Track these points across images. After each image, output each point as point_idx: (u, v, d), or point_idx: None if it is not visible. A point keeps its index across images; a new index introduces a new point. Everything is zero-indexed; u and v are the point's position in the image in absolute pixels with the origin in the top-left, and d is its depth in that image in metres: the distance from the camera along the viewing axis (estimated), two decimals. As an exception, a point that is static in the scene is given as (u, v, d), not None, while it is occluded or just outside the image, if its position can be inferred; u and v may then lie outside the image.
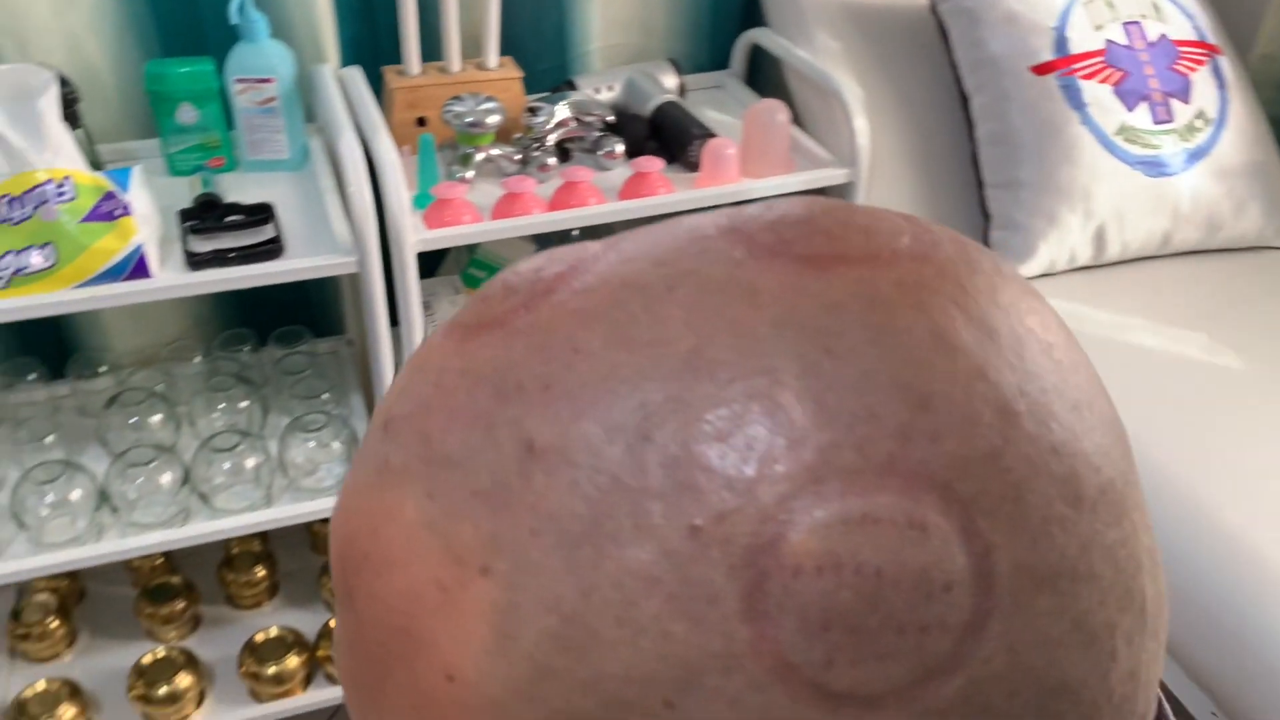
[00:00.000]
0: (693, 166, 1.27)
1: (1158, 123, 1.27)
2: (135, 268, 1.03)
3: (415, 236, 1.11)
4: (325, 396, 1.34)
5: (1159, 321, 1.24)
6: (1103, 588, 0.24)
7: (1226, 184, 1.30)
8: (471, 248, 1.40)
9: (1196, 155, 1.28)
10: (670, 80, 1.39)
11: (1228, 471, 1.06)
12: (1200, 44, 1.33)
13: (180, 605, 1.42)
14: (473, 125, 1.21)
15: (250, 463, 1.21)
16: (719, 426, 0.22)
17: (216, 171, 1.23)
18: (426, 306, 1.29)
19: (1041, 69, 1.26)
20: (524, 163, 1.25)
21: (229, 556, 1.49)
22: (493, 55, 1.31)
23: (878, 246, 0.25)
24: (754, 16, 1.49)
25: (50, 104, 1.03)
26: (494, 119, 1.21)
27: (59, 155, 1.04)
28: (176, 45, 1.26)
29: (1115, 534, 0.24)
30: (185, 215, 1.12)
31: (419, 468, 0.25)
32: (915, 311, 0.23)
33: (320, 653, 1.40)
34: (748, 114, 1.27)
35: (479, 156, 1.23)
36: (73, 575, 1.48)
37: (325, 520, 1.48)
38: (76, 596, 1.49)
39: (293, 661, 1.36)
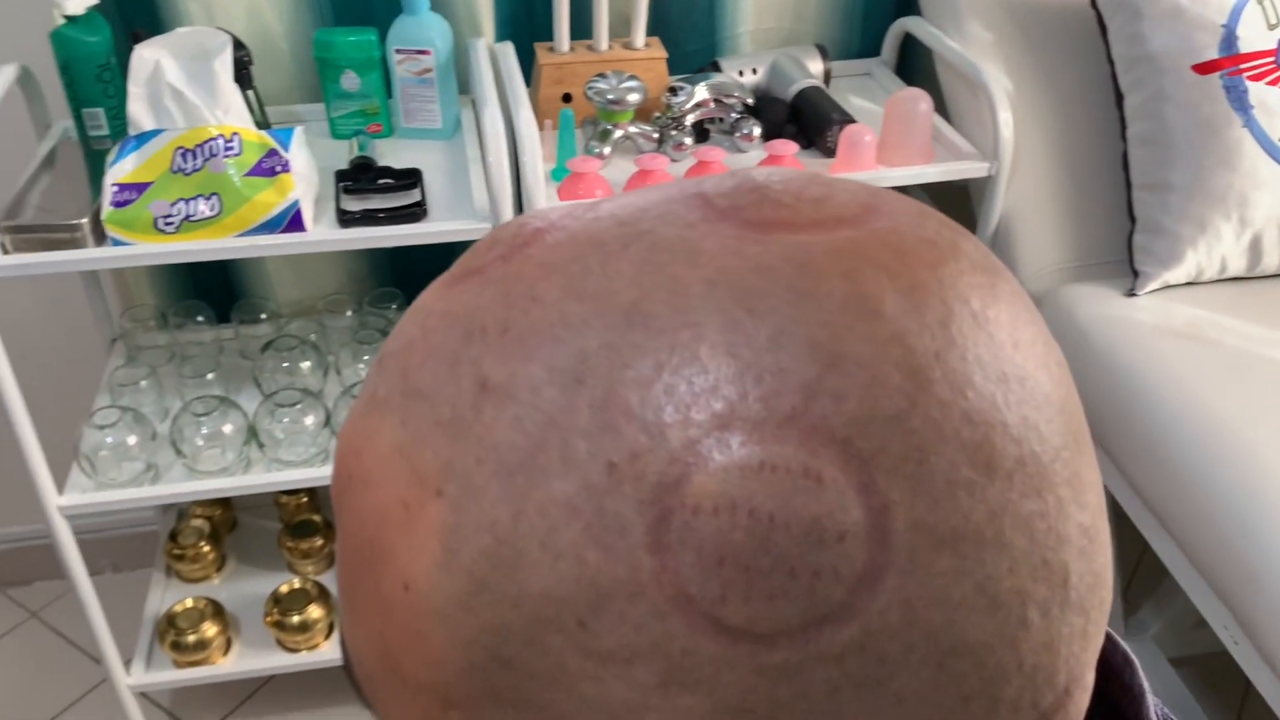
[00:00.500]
0: (829, 152, 1.27)
1: (1331, 129, 1.20)
2: (291, 221, 1.11)
3: (548, 207, 1.15)
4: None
5: (1314, 339, 1.17)
6: (1014, 556, 0.24)
7: (1406, 198, 1.21)
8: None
9: (1372, 166, 1.20)
10: (815, 65, 1.39)
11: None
12: (1389, 47, 1.24)
13: (319, 542, 1.52)
14: (613, 103, 1.24)
15: (309, 420, 1.27)
16: (643, 374, 0.24)
17: (374, 137, 1.30)
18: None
19: (1204, 68, 1.20)
20: (660, 141, 1.28)
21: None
22: (640, 35, 1.34)
23: (824, 215, 0.26)
24: (908, 4, 1.47)
25: (225, 65, 1.12)
26: (634, 97, 1.25)
27: (229, 113, 1.12)
28: (346, 15, 1.33)
29: (1034, 505, 0.24)
30: (341, 176, 1.20)
31: (397, 399, 0.27)
32: (841, 277, 0.25)
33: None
34: (889, 102, 1.26)
35: (617, 134, 1.27)
36: (227, 505, 1.60)
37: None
38: (229, 525, 1.61)
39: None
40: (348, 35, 1.26)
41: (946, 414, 0.24)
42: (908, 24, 1.43)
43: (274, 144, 1.11)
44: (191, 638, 1.39)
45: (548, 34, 1.35)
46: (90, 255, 1.09)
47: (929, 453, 0.23)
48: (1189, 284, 1.24)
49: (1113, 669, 0.33)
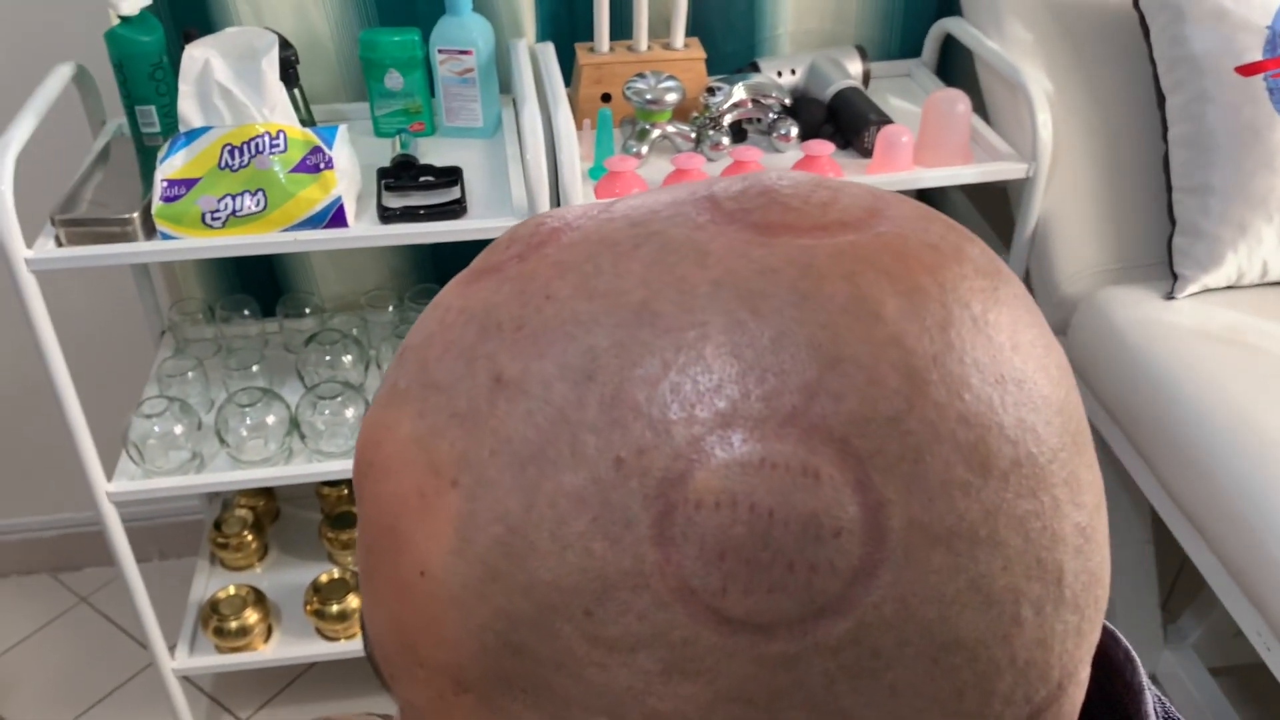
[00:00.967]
0: (866, 153, 1.27)
1: (1377, 132, 1.18)
2: (334, 217, 1.14)
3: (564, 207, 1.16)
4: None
5: (1358, 345, 1.16)
6: (1008, 555, 0.25)
7: None
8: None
9: None
10: (855, 66, 1.39)
11: None
12: None
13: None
14: (651, 102, 1.26)
15: (350, 413, 1.29)
16: (650, 372, 0.25)
17: (416, 135, 1.32)
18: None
19: (1248, 70, 1.19)
20: (698, 141, 1.29)
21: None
22: (679, 36, 1.35)
23: (829, 219, 0.27)
24: (949, 5, 1.47)
25: (272, 64, 1.15)
26: (672, 97, 1.26)
27: (275, 111, 1.15)
28: (391, 16, 1.36)
29: (1029, 505, 0.25)
30: (383, 173, 1.22)
31: (416, 391, 0.28)
32: (843, 280, 0.25)
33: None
34: (927, 102, 1.26)
35: (655, 133, 1.28)
36: (269, 496, 1.64)
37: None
38: (271, 515, 1.65)
39: (450, 596, 1.46)
40: (392, 35, 1.28)
41: (943, 415, 0.24)
42: (948, 25, 1.43)
43: (318, 141, 1.13)
44: (234, 624, 1.42)
45: (588, 34, 1.37)
46: (140, 249, 1.12)
47: (925, 453, 0.24)
48: (1229, 288, 1.23)
49: (1115, 667, 0.34)
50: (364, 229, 1.16)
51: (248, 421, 1.27)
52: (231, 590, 1.47)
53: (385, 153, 1.28)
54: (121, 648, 1.68)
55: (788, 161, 1.26)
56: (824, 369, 0.24)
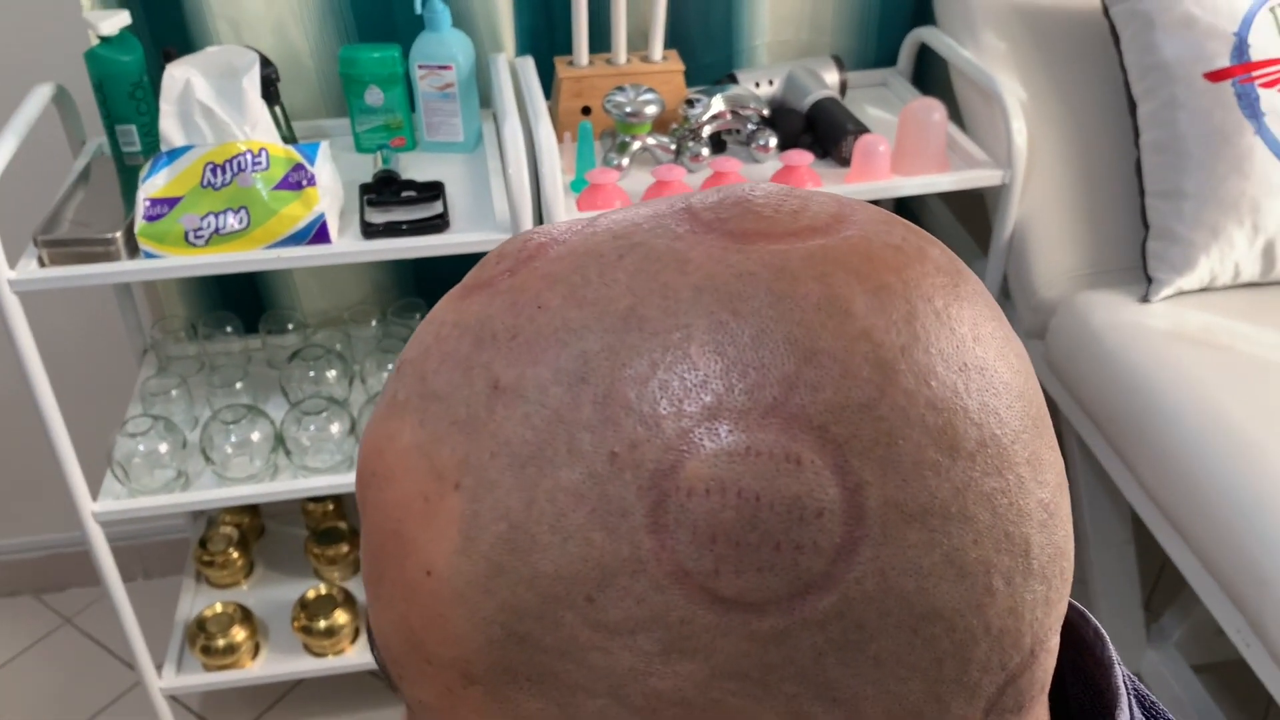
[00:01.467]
0: (844, 162, 1.29)
1: (1344, 135, 1.20)
2: (317, 233, 1.14)
3: (567, 217, 1.17)
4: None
5: (1330, 345, 1.18)
6: (978, 529, 0.26)
7: None
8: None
9: (1387, 171, 1.21)
10: (831, 76, 1.40)
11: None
12: (1403, 53, 1.25)
13: (345, 549, 1.55)
14: (631, 115, 1.27)
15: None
16: (639, 372, 0.26)
17: (398, 150, 1.33)
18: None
19: (1216, 75, 1.21)
20: (678, 153, 1.30)
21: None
22: (658, 48, 1.36)
23: (799, 225, 0.29)
24: (923, 14, 1.49)
25: (253, 82, 1.15)
26: (651, 109, 1.27)
27: (257, 129, 1.15)
28: (370, 32, 1.37)
29: (995, 483, 0.27)
30: (365, 189, 1.22)
31: (415, 401, 0.30)
32: (815, 280, 0.27)
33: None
34: (904, 112, 1.27)
35: (635, 145, 1.29)
36: (254, 513, 1.63)
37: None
38: (257, 532, 1.64)
39: (438, 609, 1.46)
40: (372, 52, 1.29)
41: (912, 401, 0.26)
42: (923, 34, 1.45)
43: (300, 159, 1.14)
44: (221, 642, 1.42)
45: (567, 48, 1.38)
46: (123, 268, 1.12)
47: (897, 436, 0.26)
48: (1203, 290, 1.25)
49: (1086, 644, 0.35)
50: (347, 245, 1.16)
51: (232, 439, 1.27)
52: (218, 608, 1.46)
53: (367, 168, 1.28)
54: (108, 668, 1.67)
55: (767, 172, 1.27)
56: (801, 362, 0.26)
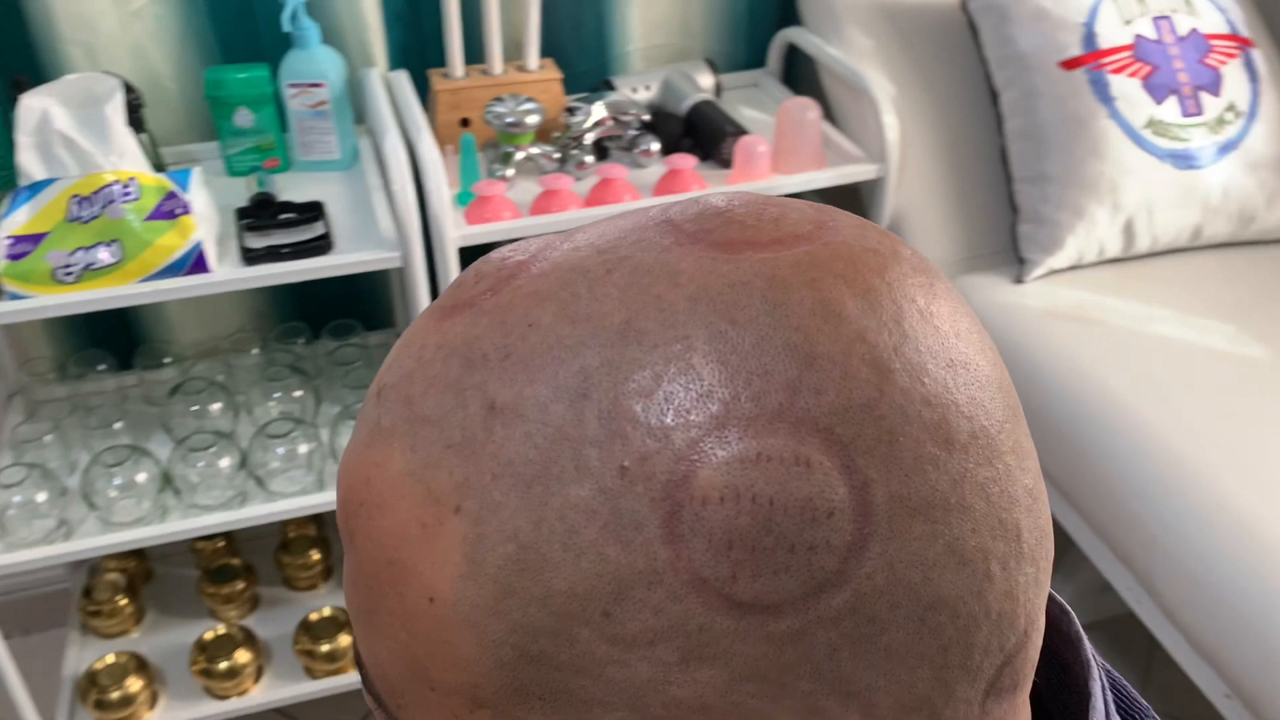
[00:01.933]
0: (726, 164, 1.31)
1: (1187, 116, 1.28)
2: (195, 263, 1.10)
3: (456, 232, 1.16)
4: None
5: (1188, 313, 1.25)
6: (975, 518, 0.27)
7: (1258, 176, 1.30)
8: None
9: (1227, 148, 1.29)
10: (706, 80, 1.42)
11: (1252, 463, 1.07)
12: (1232, 37, 1.33)
13: (240, 586, 1.49)
14: (512, 125, 1.26)
15: (303, 449, 1.27)
16: (643, 385, 0.26)
17: (271, 172, 1.29)
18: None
19: (1070, 64, 1.27)
20: (562, 161, 1.30)
21: (285, 541, 1.56)
22: (533, 57, 1.36)
23: (782, 233, 0.29)
24: (790, 15, 1.52)
25: (116, 110, 1.10)
26: (533, 119, 1.26)
27: (124, 158, 1.10)
28: (234, 52, 1.32)
29: (987, 473, 0.28)
30: (242, 214, 1.19)
31: (403, 427, 0.29)
32: (807, 287, 0.28)
33: (371, 632, 1.46)
34: (779, 111, 1.30)
35: (519, 155, 1.28)
36: (141, 556, 1.56)
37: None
38: (144, 576, 1.57)
39: (345, 640, 1.43)
40: (238, 73, 1.25)
41: (909, 399, 0.27)
42: (791, 34, 1.48)
43: (172, 186, 1.09)
44: (115, 694, 1.35)
45: (440, 60, 1.36)
46: (-13, 311, 1.06)
47: (898, 434, 0.26)
48: (1072, 268, 1.31)
49: (1051, 619, 0.37)
50: (228, 273, 1.12)
51: (116, 482, 1.22)
52: (110, 659, 1.39)
53: (240, 192, 1.24)
54: (-12, 734, 1.58)
55: (652, 177, 1.28)
56: (802, 367, 0.26)
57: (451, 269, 1.16)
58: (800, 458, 0.26)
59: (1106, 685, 0.35)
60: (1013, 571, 0.28)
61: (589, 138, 1.31)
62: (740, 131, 1.30)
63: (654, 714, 0.27)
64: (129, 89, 1.16)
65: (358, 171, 1.31)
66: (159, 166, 1.21)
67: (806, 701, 0.27)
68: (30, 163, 1.09)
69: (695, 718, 0.27)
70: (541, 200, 1.21)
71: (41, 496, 1.19)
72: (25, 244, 1.06)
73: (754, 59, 1.56)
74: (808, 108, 1.29)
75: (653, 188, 1.26)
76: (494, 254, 0.32)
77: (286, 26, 1.21)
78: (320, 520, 1.59)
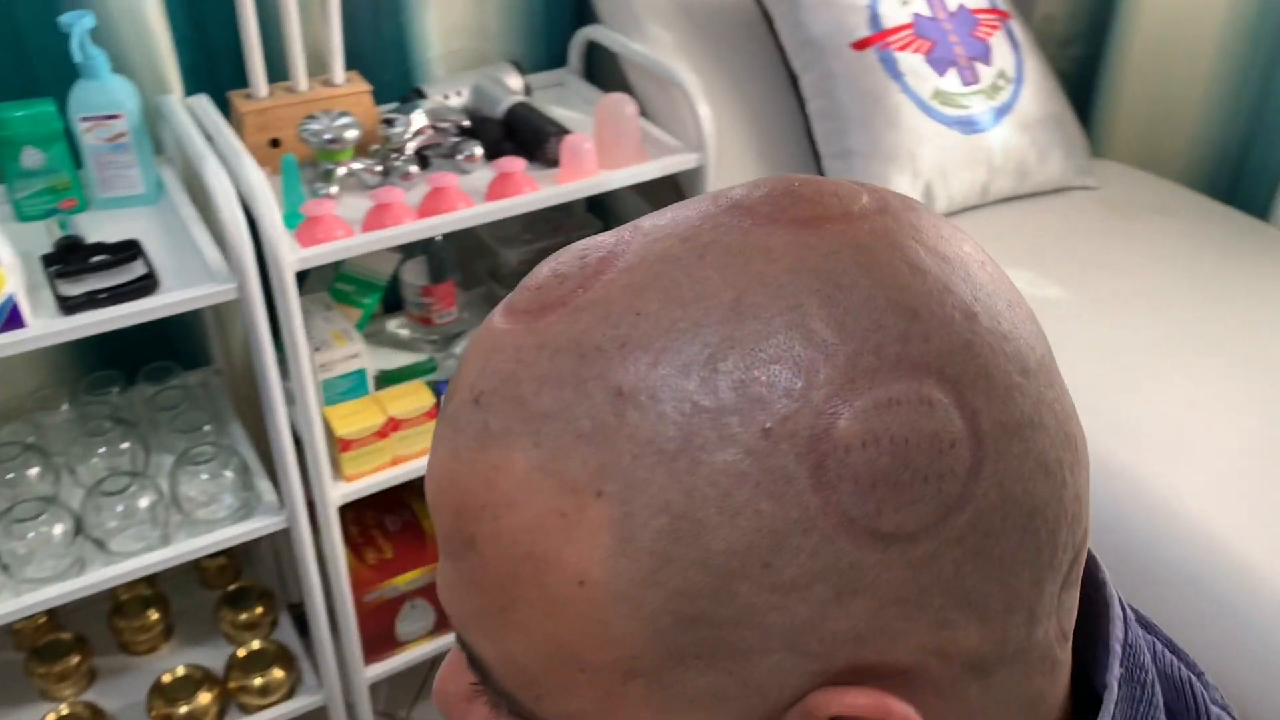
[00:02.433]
0: (551, 163, 1.32)
1: (966, 85, 1.40)
2: (9, 318, 1.01)
3: (293, 256, 1.12)
4: (207, 429, 1.33)
5: (988, 265, 1.37)
6: (1050, 433, 0.31)
7: (1030, 135, 1.44)
8: (337, 264, 1.41)
9: (1002, 111, 1.42)
10: (515, 82, 1.43)
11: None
12: (993, 10, 1.46)
13: (74, 660, 1.39)
14: (331, 142, 1.23)
15: (144, 503, 1.19)
16: (771, 353, 0.29)
17: (70, 213, 1.20)
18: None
19: (860, 44, 1.36)
20: (385, 173, 1.27)
21: (118, 604, 1.46)
22: (339, 71, 1.32)
23: (847, 206, 0.32)
24: (587, 14, 1.55)
25: (-105, 159, 1.00)
26: (352, 133, 1.23)
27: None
28: (9, 89, 1.22)
29: (1051, 393, 0.32)
30: (49, 260, 1.10)
31: (519, 425, 0.30)
32: (890, 249, 0.31)
33: (230, 685, 1.39)
34: (598, 109, 1.32)
35: (340, 172, 1.25)
36: (-50, 647, 1.42)
37: (220, 554, 1.46)
38: (-44, 669, 1.43)
39: (204, 698, 1.35)
40: (18, 109, 1.16)
41: (994, 336, 0.31)
42: (590, 32, 1.51)
43: (-29, 237, 1.00)
44: (-50, 801, 1.23)
45: (235, 81, 1.31)
46: None
47: (990, 368, 0.30)
48: (884, 234, 1.40)
49: None
50: (46, 325, 1.04)
51: (-67, 567, 1.10)
52: (-64, 765, 1.26)
53: (38, 238, 1.15)
54: None
55: (481, 182, 1.28)
56: (909, 319, 0.29)
57: (291, 296, 1.12)
58: (923, 398, 0.29)
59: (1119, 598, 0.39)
60: (1078, 475, 0.32)
61: (411, 148, 1.29)
62: (563, 131, 1.32)
63: (811, 650, 0.29)
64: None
65: (167, 204, 1.24)
66: (-56, 217, 1.10)
67: (938, 616, 0.30)
68: None
69: (848, 646, 0.29)
70: (374, 215, 1.19)
71: None
72: None
73: (555, 58, 1.58)
74: (624, 103, 1.32)
75: (485, 192, 1.26)
76: (562, 257, 0.33)
77: (77, 56, 1.12)
78: (152, 578, 1.49)
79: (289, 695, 1.41)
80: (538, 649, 0.31)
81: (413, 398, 1.30)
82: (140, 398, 1.38)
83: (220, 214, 1.08)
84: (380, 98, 1.39)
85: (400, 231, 1.19)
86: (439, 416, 0.34)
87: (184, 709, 1.33)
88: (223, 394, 1.44)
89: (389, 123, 1.28)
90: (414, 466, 1.32)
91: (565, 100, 1.51)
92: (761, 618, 0.29)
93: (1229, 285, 1.33)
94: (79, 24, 1.12)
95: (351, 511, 1.49)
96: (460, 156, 1.31)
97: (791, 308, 0.29)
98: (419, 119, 1.28)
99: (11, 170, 1.17)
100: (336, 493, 1.27)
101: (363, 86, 1.33)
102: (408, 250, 1.41)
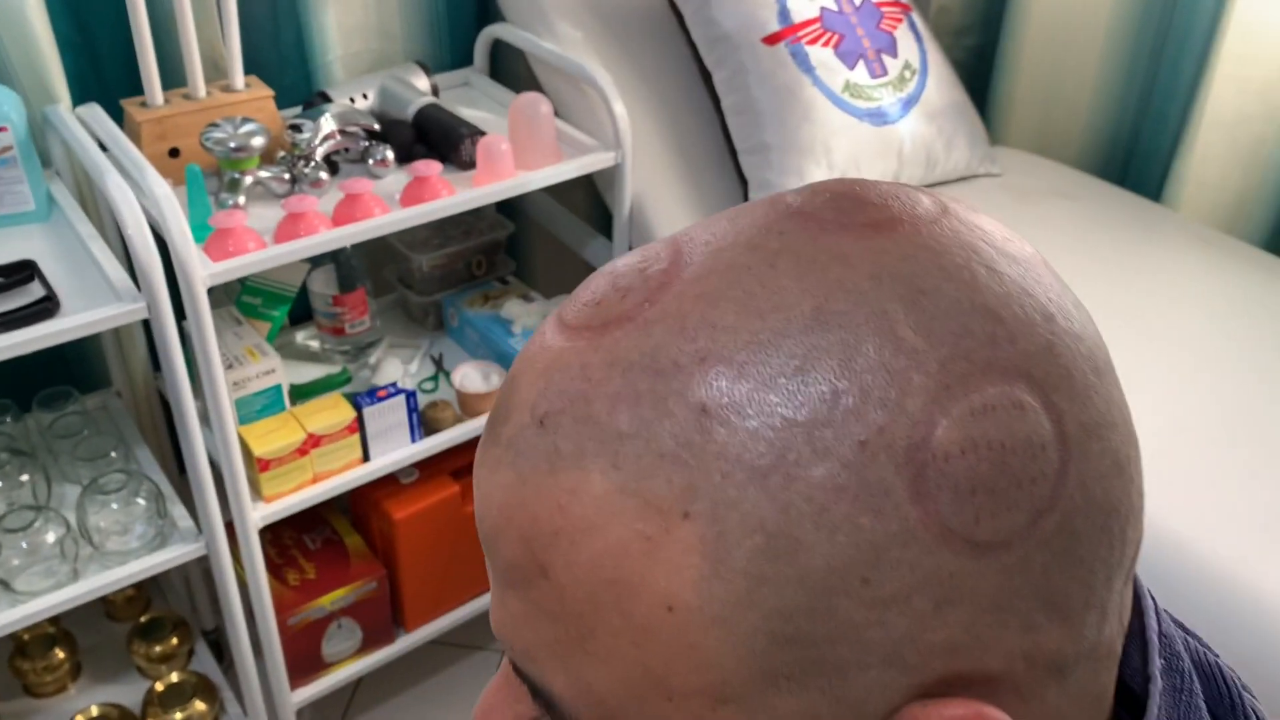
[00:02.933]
0: (466, 165, 1.29)
1: (875, 77, 1.41)
2: (-105, 349, 0.94)
3: (204, 271, 1.07)
4: (113, 455, 1.26)
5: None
6: (1120, 431, 0.31)
7: (936, 124, 1.46)
8: (243, 276, 1.36)
9: (909, 102, 1.44)
10: (422, 82, 1.39)
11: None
12: (895, 3, 1.48)
13: (-26, 708, 1.30)
14: (237, 150, 1.17)
15: (49, 537, 1.13)
16: (861, 362, 0.28)
17: (-47, 233, 1.13)
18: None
19: (771, 39, 1.36)
20: (294, 181, 1.23)
21: (20, 645, 1.37)
22: (238, 76, 1.27)
23: (911, 209, 0.31)
24: (490, 12, 1.52)
25: None
26: (258, 141, 1.18)
27: None
28: (-123, 100, 1.13)
29: (1118, 392, 0.32)
30: (-65, 285, 1.03)
31: (594, 446, 0.29)
32: (964, 251, 0.30)
33: (149, 721, 1.32)
34: (512, 109, 1.30)
35: (247, 181, 1.20)
36: None
37: (132, 587, 1.39)
38: None
39: (122, 737, 1.29)
40: (-109, 122, 1.08)
41: (1070, 337, 0.30)
42: (496, 31, 1.48)
43: None
44: None
45: (124, 89, 1.24)
46: None
47: (1071, 368, 0.30)
48: (802, 227, 1.41)
49: None
50: (-63, 354, 0.97)
51: None
52: None
53: (-80, 261, 1.07)
54: None
55: (395, 186, 1.24)
56: (994, 322, 0.29)
57: (203, 313, 1.07)
58: (1015, 401, 0.28)
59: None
60: (1139, 471, 0.32)
61: (319, 153, 1.24)
62: (476, 132, 1.29)
63: (909, 663, 0.28)
64: None
65: (60, 221, 1.17)
66: None
67: (1026, 620, 0.29)
68: None
69: (943, 657, 0.29)
70: (287, 224, 1.14)
71: None
72: None
73: (459, 58, 1.55)
74: (539, 102, 1.30)
75: (400, 197, 1.22)
76: (619, 268, 0.32)
77: (-44, 65, 1.05)
78: (58, 616, 1.41)
79: (212, 728, 1.35)
80: (620, 678, 0.29)
81: (332, 412, 1.26)
82: (36, 426, 1.31)
83: (126, 229, 1.02)
84: (283, 102, 1.34)
85: (315, 241, 1.15)
86: (486, 441, 0.32)
87: (101, 751, 1.27)
88: (125, 417, 1.37)
89: (296, 128, 1.23)
90: (336, 483, 1.27)
91: (473, 100, 1.48)
92: (860, 633, 0.28)
93: (1129, 264, 1.38)
94: (-43, 31, 1.05)
95: (269, 532, 1.43)
96: (371, 161, 1.27)
97: (877, 314, 0.28)
98: (327, 123, 1.24)
99: (-114, 189, 1.09)
100: (256, 515, 1.22)
101: (265, 91, 1.28)
102: (315, 259, 1.36)
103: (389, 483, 1.40)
